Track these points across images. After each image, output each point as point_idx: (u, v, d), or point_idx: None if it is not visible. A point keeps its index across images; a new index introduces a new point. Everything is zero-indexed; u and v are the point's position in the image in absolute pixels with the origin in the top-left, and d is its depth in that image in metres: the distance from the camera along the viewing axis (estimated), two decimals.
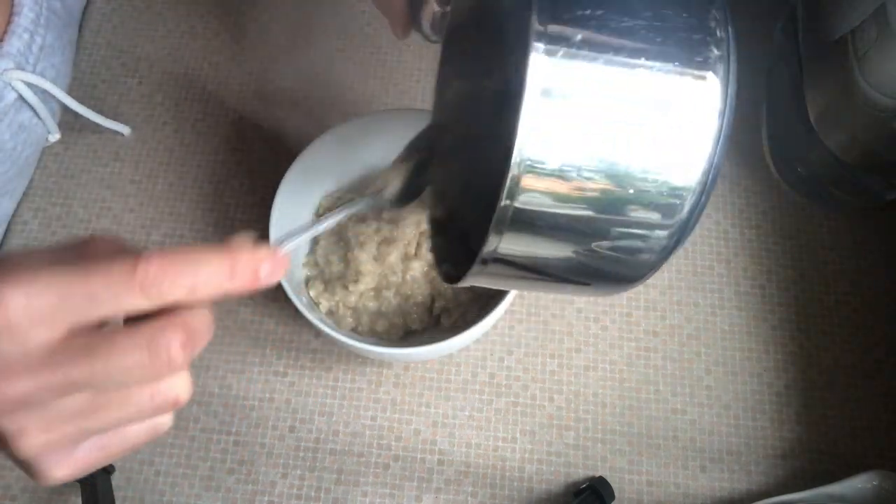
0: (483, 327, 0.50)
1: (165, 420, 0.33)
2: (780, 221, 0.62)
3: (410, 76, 0.67)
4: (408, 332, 0.55)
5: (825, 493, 0.51)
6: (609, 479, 0.53)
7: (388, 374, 0.57)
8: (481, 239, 0.31)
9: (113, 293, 0.27)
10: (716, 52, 0.32)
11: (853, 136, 0.53)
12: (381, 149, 0.59)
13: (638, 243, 0.32)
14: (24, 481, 0.54)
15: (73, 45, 0.67)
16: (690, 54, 0.31)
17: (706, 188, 0.31)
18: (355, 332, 0.54)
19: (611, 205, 0.31)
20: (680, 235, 0.32)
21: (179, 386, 0.32)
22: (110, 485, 0.53)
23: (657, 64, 0.30)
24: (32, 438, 0.29)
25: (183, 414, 0.56)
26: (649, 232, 0.32)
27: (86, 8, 0.70)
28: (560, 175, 0.30)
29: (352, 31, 0.69)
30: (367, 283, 0.54)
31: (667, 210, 0.31)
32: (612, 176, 0.30)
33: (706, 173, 0.31)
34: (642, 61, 0.30)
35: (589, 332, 0.58)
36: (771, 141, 0.62)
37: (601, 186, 0.30)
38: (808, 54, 0.55)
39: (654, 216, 0.31)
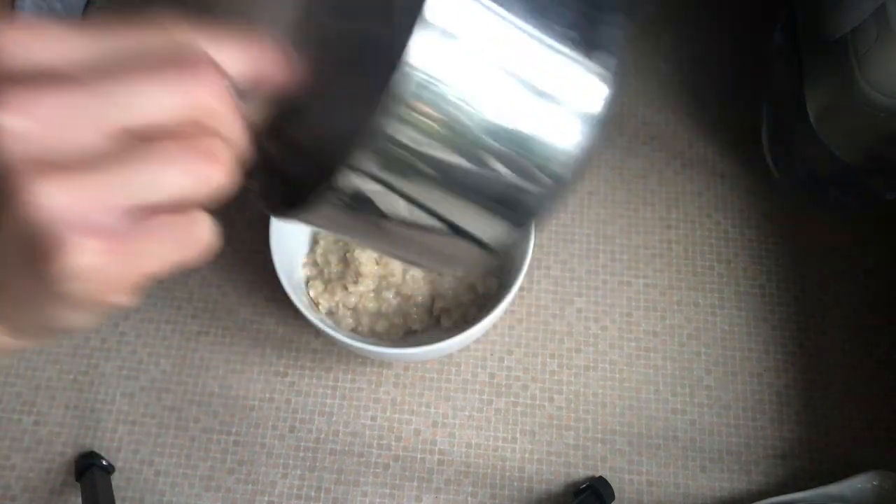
0: (483, 327, 0.50)
1: (215, 177, 0.23)
2: (780, 221, 0.62)
3: None
4: (408, 332, 0.55)
5: (825, 493, 0.51)
6: (609, 479, 0.53)
7: (388, 374, 0.57)
8: (337, 162, 0.25)
9: (140, 95, 0.23)
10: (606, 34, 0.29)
11: (853, 136, 0.53)
12: None
13: (518, 185, 0.29)
14: (23, 482, 0.54)
15: None
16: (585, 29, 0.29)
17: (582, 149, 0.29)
18: (355, 332, 0.54)
19: (492, 139, 0.28)
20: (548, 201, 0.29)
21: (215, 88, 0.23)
22: (110, 485, 0.53)
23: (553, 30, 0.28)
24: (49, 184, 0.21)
25: (183, 414, 0.56)
26: (527, 178, 0.29)
27: (85, 7, 0.70)
28: (443, 100, 0.25)
29: None
30: (366, 284, 0.54)
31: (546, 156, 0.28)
32: (496, 113, 0.27)
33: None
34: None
35: (589, 332, 0.58)
36: (771, 141, 0.62)
37: (482, 119, 0.26)
38: (808, 54, 0.55)
39: (537, 156, 0.29)
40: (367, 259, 0.54)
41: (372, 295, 0.55)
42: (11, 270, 0.23)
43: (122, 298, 0.23)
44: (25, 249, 0.22)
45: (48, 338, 0.27)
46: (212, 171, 0.23)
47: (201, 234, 0.24)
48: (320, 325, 0.50)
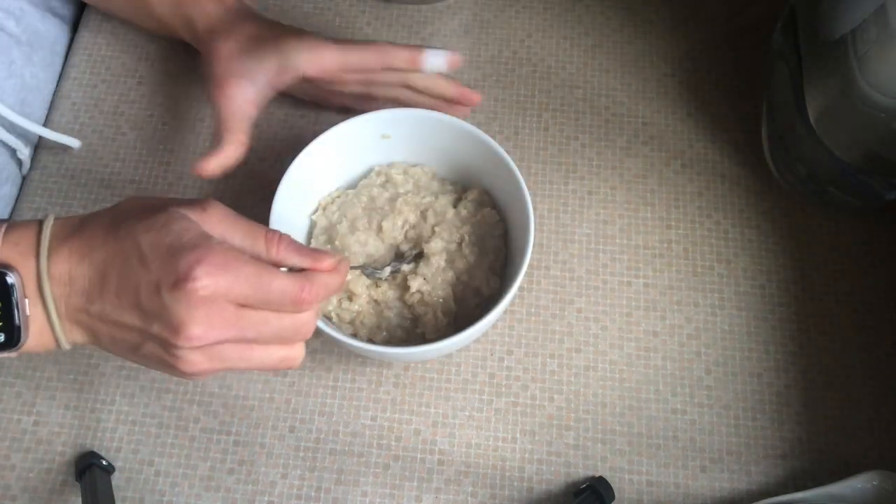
0: (482, 327, 0.50)
1: (297, 353, 0.43)
2: (780, 221, 0.62)
3: None
4: (407, 338, 0.55)
5: (825, 493, 0.51)
6: (609, 479, 0.53)
7: (388, 374, 0.57)
8: None
9: (279, 303, 0.41)
10: None
11: (853, 136, 0.53)
12: (380, 149, 0.59)
13: None
14: (23, 482, 0.54)
15: (36, 65, 0.64)
16: None
17: None
18: (355, 337, 0.54)
19: None
20: None
21: (309, 321, 0.43)
22: (110, 485, 0.53)
23: None
24: (198, 366, 0.41)
25: (183, 414, 0.56)
26: None
27: (81, 12, 0.70)
28: None
29: (352, 31, 0.69)
30: (360, 302, 0.54)
31: None
32: None
33: None
34: None
35: (589, 332, 0.58)
36: (771, 141, 0.62)
37: None
38: (808, 54, 0.55)
39: None
40: (357, 281, 0.54)
41: (372, 312, 0.55)
42: (150, 358, 0.42)
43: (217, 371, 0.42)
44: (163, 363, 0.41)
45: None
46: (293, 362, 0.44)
47: (289, 362, 0.44)
48: (321, 326, 0.50)
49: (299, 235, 0.57)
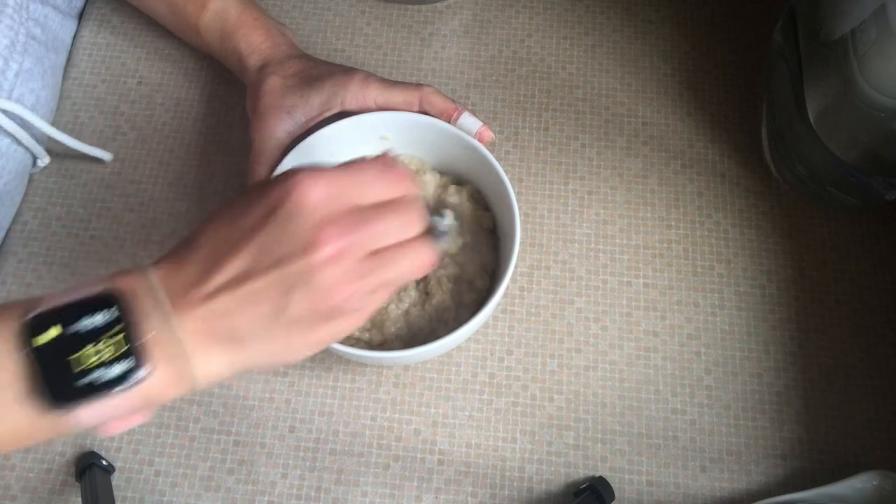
0: (475, 325, 0.50)
1: (428, 248, 0.41)
2: (780, 221, 0.62)
3: (410, 76, 0.67)
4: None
5: (825, 493, 0.51)
6: (609, 479, 0.53)
7: (388, 374, 0.57)
8: None
9: (373, 185, 0.40)
10: None
11: (853, 136, 0.53)
12: (377, 148, 0.59)
13: None
14: (23, 482, 0.54)
15: (59, 70, 0.66)
16: None
17: None
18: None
19: None
20: None
21: (418, 204, 0.42)
22: (110, 485, 0.53)
23: None
24: (344, 287, 0.38)
25: (183, 414, 0.56)
26: None
27: (82, 11, 0.70)
28: None
29: (352, 31, 0.69)
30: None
31: None
32: None
33: None
34: None
35: (589, 332, 0.59)
36: (771, 141, 0.62)
37: None
38: (808, 54, 0.55)
39: None
40: None
41: (367, 329, 0.55)
42: (298, 312, 0.38)
43: (369, 305, 0.40)
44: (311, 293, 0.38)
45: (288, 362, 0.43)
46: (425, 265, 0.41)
47: (422, 259, 0.41)
48: None
49: None
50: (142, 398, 0.37)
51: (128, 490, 0.54)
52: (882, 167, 0.53)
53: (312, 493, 0.54)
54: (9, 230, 0.61)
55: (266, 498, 0.54)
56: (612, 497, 0.53)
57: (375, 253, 0.39)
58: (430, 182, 0.58)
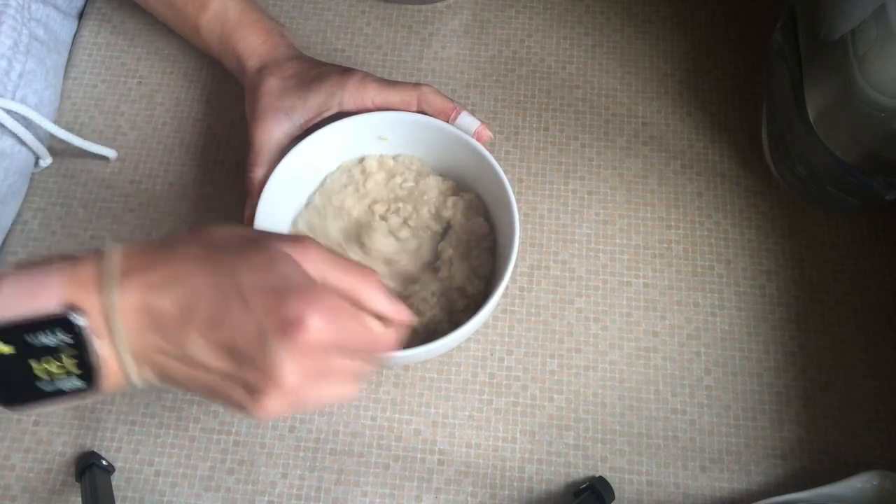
0: (472, 327, 0.50)
1: (354, 390, 0.42)
2: (780, 221, 0.62)
3: (410, 76, 0.67)
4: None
5: (825, 493, 0.51)
6: (609, 479, 0.53)
7: (388, 374, 0.57)
8: None
9: (366, 349, 0.42)
10: None
11: (853, 136, 0.53)
12: (376, 148, 0.59)
13: None
14: (23, 482, 0.54)
15: (60, 70, 0.66)
16: None
17: None
18: None
19: None
20: None
21: (385, 340, 0.43)
22: (110, 485, 0.53)
23: None
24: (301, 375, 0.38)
25: (183, 414, 0.56)
26: None
27: (82, 11, 0.70)
28: None
29: (352, 31, 0.69)
30: None
31: None
32: None
33: None
34: None
35: (589, 332, 0.58)
36: (771, 141, 0.62)
37: None
38: (808, 54, 0.55)
39: None
40: None
41: None
42: (224, 398, 0.40)
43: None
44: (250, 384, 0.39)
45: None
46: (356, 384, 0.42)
47: (341, 395, 0.41)
48: None
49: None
50: (85, 398, 0.39)
51: (128, 490, 0.54)
52: (882, 167, 0.53)
53: (312, 493, 0.54)
54: (9, 230, 0.61)
55: (266, 498, 0.54)
56: (612, 497, 0.53)
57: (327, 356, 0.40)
58: (433, 186, 0.58)
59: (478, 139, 0.56)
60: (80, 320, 0.37)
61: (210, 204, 0.63)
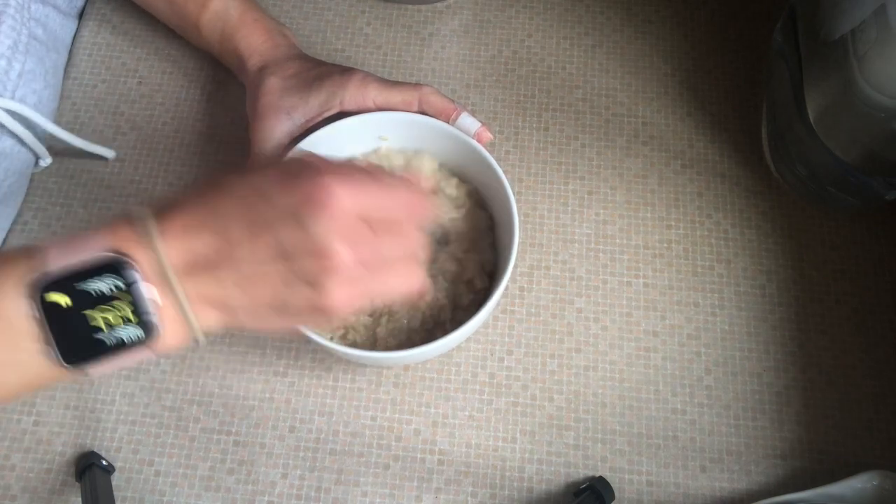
0: (473, 326, 0.50)
1: (422, 275, 0.43)
2: (780, 221, 0.62)
3: (410, 76, 0.67)
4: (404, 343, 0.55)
5: (825, 493, 0.51)
6: (609, 479, 0.53)
7: (388, 374, 0.57)
8: None
9: (392, 204, 0.41)
10: None
11: (853, 136, 0.53)
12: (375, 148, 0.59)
13: None
14: (23, 482, 0.54)
15: (60, 70, 0.66)
16: None
17: None
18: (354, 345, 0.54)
19: None
20: None
21: (421, 238, 0.43)
22: (110, 485, 0.53)
23: None
24: (343, 292, 0.39)
25: (183, 414, 0.56)
26: None
27: (83, 11, 0.70)
28: None
29: (352, 31, 0.69)
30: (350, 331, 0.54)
31: None
32: None
33: None
34: None
35: (589, 332, 0.58)
36: (771, 141, 0.62)
37: None
38: (808, 54, 0.55)
39: None
40: None
41: (363, 329, 0.55)
42: (295, 307, 0.40)
43: (352, 311, 0.40)
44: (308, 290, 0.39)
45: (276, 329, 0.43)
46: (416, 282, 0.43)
47: (413, 283, 0.42)
48: (312, 337, 0.49)
49: None
50: (147, 354, 0.39)
51: (128, 490, 0.54)
52: (882, 167, 0.53)
53: (312, 493, 0.54)
54: (9, 230, 0.61)
55: (266, 498, 0.54)
56: (612, 497, 0.53)
57: (373, 263, 0.40)
58: (428, 166, 0.58)
59: (478, 140, 0.56)
60: (128, 264, 0.37)
61: None
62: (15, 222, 0.62)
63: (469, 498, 0.54)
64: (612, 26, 0.70)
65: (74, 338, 0.38)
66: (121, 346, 0.38)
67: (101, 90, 0.67)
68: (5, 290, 0.37)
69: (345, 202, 0.38)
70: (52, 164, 0.63)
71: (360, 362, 0.56)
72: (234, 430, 0.56)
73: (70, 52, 0.68)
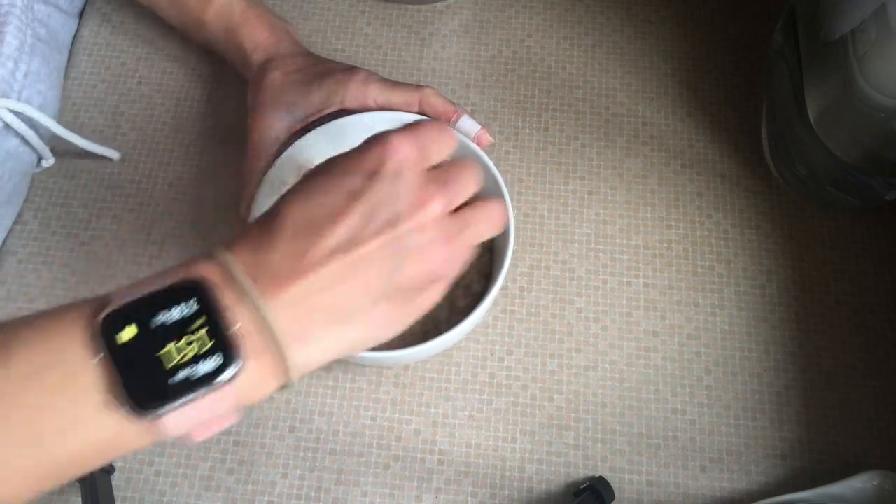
0: (470, 324, 0.50)
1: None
2: (780, 221, 0.62)
3: (410, 76, 0.67)
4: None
5: (825, 493, 0.51)
6: (609, 479, 0.53)
7: (387, 374, 0.57)
8: None
9: (440, 145, 0.40)
10: None
11: (853, 136, 0.53)
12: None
13: None
14: None
15: (62, 70, 0.66)
16: None
17: None
18: None
19: None
20: None
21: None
22: (110, 485, 0.53)
23: None
24: (444, 248, 0.39)
25: None
26: None
27: (83, 11, 0.70)
28: None
29: (352, 31, 0.69)
30: None
31: None
32: None
33: None
34: None
35: (589, 332, 0.59)
36: (771, 141, 0.62)
37: None
38: (808, 54, 0.55)
39: None
40: None
41: None
42: (411, 270, 0.38)
43: (454, 271, 0.40)
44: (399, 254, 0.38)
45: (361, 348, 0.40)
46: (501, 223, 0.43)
47: (499, 215, 0.42)
48: None
49: None
50: (233, 397, 0.34)
51: (128, 490, 0.54)
52: (882, 167, 0.53)
53: (312, 493, 0.54)
54: (9, 230, 0.61)
55: (266, 498, 0.54)
56: (612, 497, 0.53)
57: (455, 213, 0.40)
58: None
59: (477, 143, 0.56)
60: (199, 283, 0.34)
61: (211, 203, 0.62)
62: (15, 222, 0.62)
63: (469, 498, 0.54)
64: (612, 26, 0.70)
65: (145, 378, 0.33)
66: (199, 382, 0.33)
67: (101, 90, 0.67)
68: (67, 336, 0.33)
69: (414, 152, 0.38)
70: (52, 164, 0.63)
71: (360, 362, 0.56)
72: (233, 430, 0.56)
73: (70, 51, 0.68)
